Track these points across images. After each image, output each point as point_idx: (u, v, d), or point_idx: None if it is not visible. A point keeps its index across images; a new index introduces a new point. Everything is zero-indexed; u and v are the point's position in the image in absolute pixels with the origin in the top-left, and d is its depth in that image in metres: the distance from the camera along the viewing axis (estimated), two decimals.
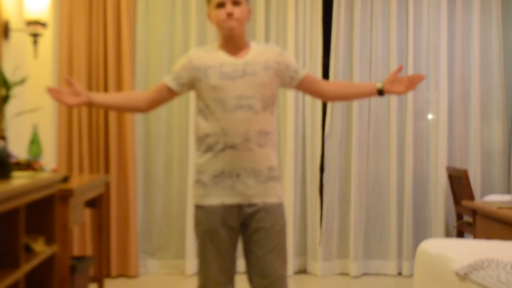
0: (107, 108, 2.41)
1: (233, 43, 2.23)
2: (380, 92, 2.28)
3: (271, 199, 2.21)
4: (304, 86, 2.34)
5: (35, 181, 2.30)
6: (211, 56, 2.24)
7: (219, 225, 2.18)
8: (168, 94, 2.32)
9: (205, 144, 2.21)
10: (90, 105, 2.28)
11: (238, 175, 2.17)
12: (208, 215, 2.20)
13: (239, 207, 2.19)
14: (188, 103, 4.42)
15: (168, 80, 2.31)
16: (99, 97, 2.34)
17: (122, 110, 2.44)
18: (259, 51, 2.26)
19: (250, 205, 2.19)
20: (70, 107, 2.59)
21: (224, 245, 2.20)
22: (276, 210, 2.22)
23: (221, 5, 2.18)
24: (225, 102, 2.16)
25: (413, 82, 2.26)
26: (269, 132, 2.22)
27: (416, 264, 2.72)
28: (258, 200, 2.19)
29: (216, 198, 2.19)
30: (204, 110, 2.22)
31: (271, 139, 2.24)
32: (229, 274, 2.24)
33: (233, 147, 2.15)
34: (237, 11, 2.18)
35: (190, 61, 2.26)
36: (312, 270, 4.53)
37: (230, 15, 2.16)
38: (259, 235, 2.19)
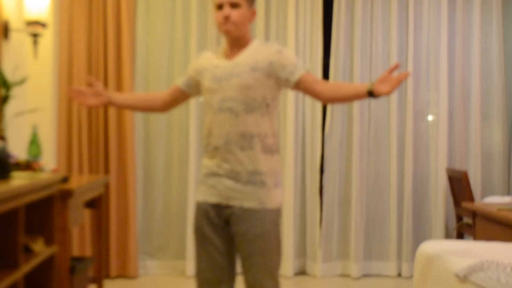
0: (125, 108, 2.45)
1: (232, 45, 2.22)
2: (370, 94, 2.08)
3: (248, 204, 2.14)
4: (301, 87, 2.23)
5: (35, 181, 2.30)
6: (211, 58, 2.26)
7: (205, 223, 2.19)
8: (181, 95, 2.39)
9: (204, 144, 2.27)
10: (110, 105, 2.39)
11: (220, 175, 2.18)
12: (197, 211, 2.24)
13: (219, 206, 2.19)
14: (188, 103, 4.42)
15: (180, 82, 2.38)
16: (119, 97, 2.40)
17: (140, 110, 2.47)
18: (253, 51, 2.21)
19: (228, 207, 2.17)
20: (91, 108, 2.63)
21: (210, 243, 2.19)
22: (254, 216, 2.13)
23: (219, 7, 2.16)
24: (211, 105, 2.19)
25: (398, 80, 2.06)
26: (254, 135, 2.14)
27: (415, 266, 2.71)
28: (234, 203, 2.16)
29: (202, 196, 2.22)
30: (204, 111, 2.28)
31: (260, 142, 2.15)
32: (220, 274, 2.19)
33: (216, 148, 2.18)
34: (234, 14, 2.14)
35: (196, 63, 2.31)
36: (312, 271, 4.53)
37: (226, 18, 2.14)
38: (236, 239, 2.18)
